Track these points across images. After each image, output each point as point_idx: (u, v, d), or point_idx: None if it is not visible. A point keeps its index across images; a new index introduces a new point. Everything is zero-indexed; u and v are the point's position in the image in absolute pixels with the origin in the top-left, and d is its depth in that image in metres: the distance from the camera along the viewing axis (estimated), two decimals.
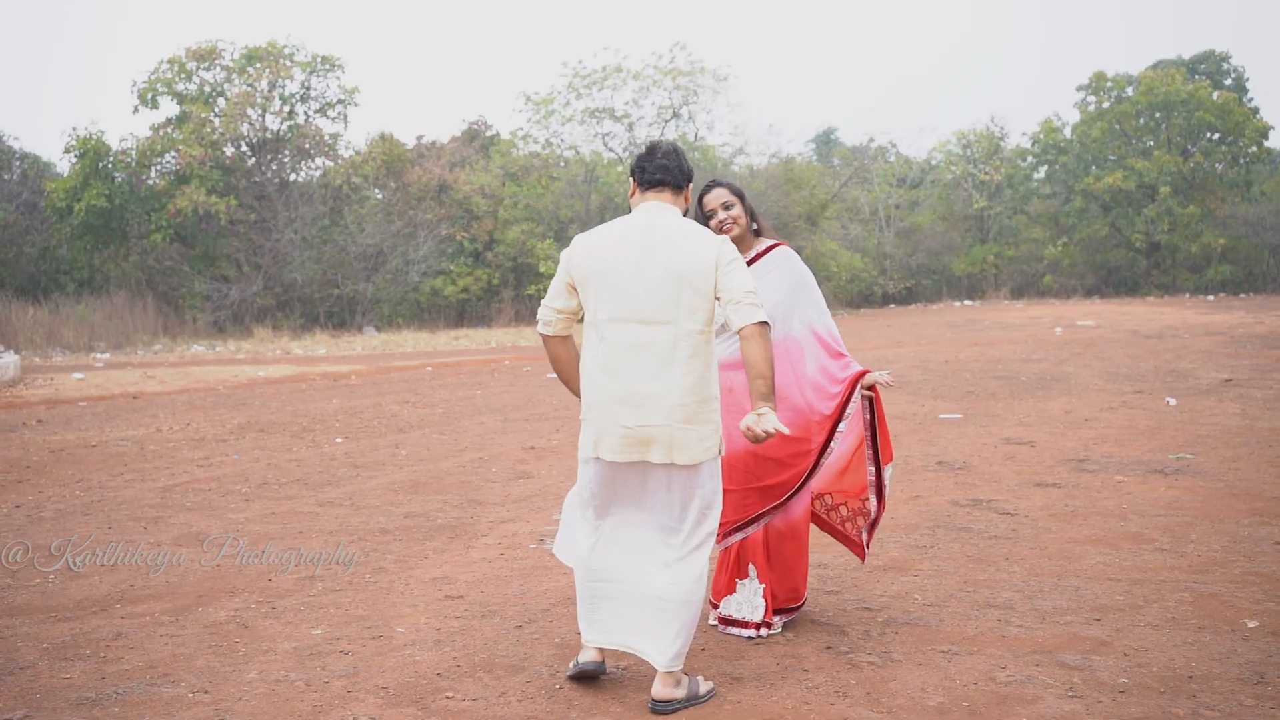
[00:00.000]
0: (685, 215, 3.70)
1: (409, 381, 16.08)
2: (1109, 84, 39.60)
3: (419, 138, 36.68)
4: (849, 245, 38.55)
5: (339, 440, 9.95)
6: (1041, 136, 40.95)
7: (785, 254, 4.30)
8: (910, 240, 41.53)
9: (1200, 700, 3.51)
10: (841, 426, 4.17)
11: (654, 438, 3.50)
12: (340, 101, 33.38)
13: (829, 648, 4.10)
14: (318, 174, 33.20)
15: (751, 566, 4.25)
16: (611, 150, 37.44)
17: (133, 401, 13.99)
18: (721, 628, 4.30)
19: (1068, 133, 40.50)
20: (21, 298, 29.59)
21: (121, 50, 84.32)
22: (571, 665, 3.78)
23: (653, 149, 3.67)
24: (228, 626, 4.51)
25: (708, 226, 4.22)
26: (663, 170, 3.62)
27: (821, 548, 5.59)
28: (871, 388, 4.25)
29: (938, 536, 5.79)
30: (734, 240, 4.23)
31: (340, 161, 32.62)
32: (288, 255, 30.47)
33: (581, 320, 3.72)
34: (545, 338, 3.74)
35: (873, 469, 4.29)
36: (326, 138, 33.08)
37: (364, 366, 19.10)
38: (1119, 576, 4.94)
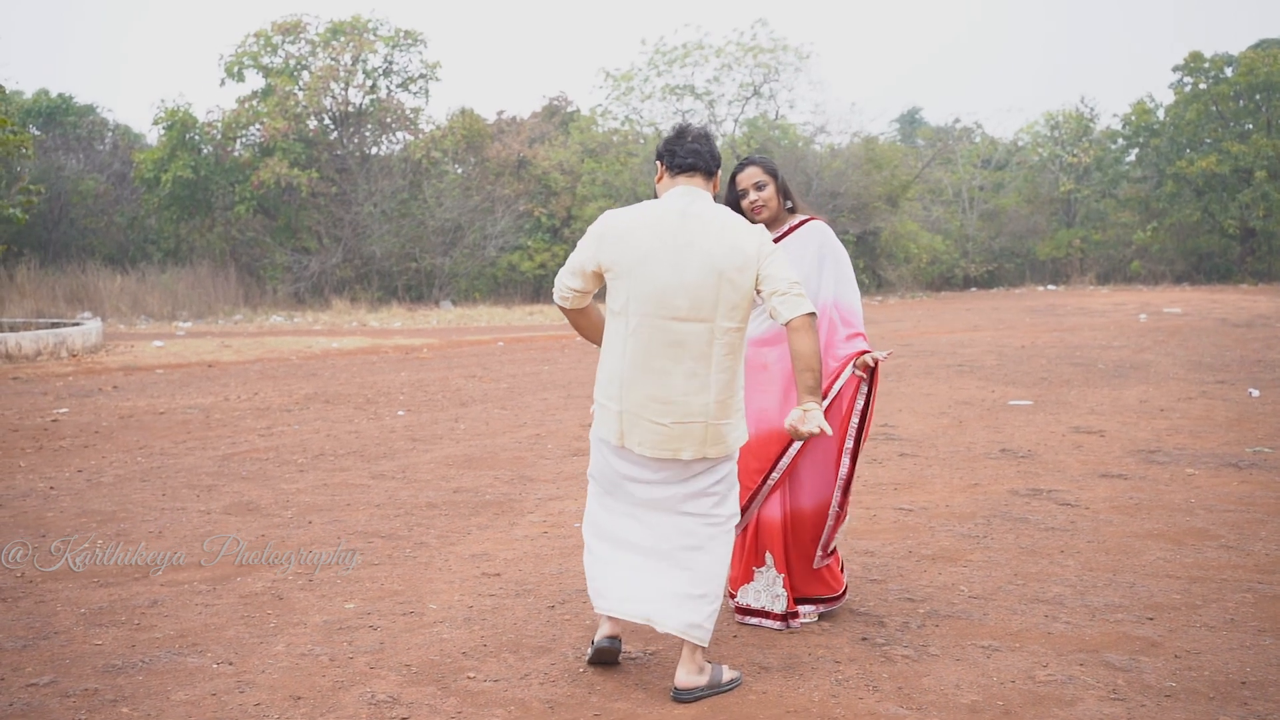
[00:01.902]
0: (715, 200, 3.57)
1: (479, 356, 16.15)
2: (1206, 65, 38.26)
3: (499, 113, 36.86)
4: (930, 227, 37.94)
5: (401, 413, 10.00)
6: (1133, 118, 39.80)
7: (817, 227, 4.16)
8: (994, 223, 40.70)
9: (1251, 708, 3.33)
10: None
11: (688, 434, 3.40)
12: (422, 76, 33.69)
13: (864, 639, 3.97)
14: (398, 148, 33.53)
15: (769, 554, 4.12)
16: None
17: (207, 370, 14.25)
18: (740, 618, 4.17)
19: (1161, 115, 39.27)
20: (110, 266, 30.39)
21: (211, 23, 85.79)
22: (589, 650, 3.71)
23: (682, 132, 3.53)
24: (263, 598, 4.52)
25: (739, 205, 4.09)
26: (694, 155, 3.48)
27: (871, 534, 5.46)
28: (867, 368, 4.06)
29: (992, 526, 5.61)
30: (766, 221, 4.10)
31: (421, 136, 32.90)
32: (367, 228, 30.85)
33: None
34: (564, 309, 3.65)
35: (846, 462, 4.12)
36: (408, 112, 33.44)
37: (436, 340, 19.24)
38: (1178, 574, 4.73)
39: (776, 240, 4.15)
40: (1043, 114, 44.08)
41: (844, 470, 4.13)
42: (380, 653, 3.86)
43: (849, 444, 4.11)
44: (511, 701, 3.43)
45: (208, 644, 3.96)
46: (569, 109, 38.36)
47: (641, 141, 35.76)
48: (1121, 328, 18.97)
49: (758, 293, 3.44)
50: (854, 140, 36.69)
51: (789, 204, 4.18)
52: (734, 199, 4.12)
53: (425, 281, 32.09)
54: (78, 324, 18.20)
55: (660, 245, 3.37)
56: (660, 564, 3.53)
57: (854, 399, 4.11)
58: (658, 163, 3.57)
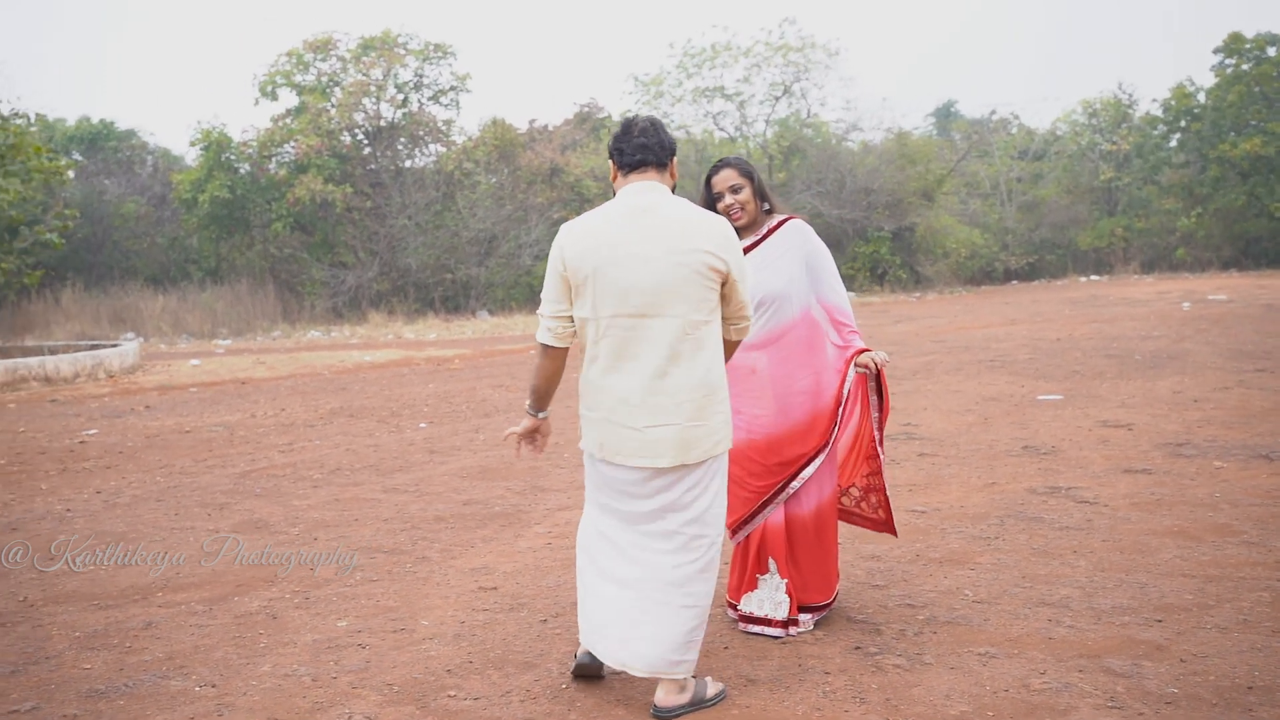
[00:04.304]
0: (674, 191, 3.48)
1: (509, 366, 16.13)
2: (1248, 45, 37.48)
3: (531, 122, 36.91)
4: (968, 221, 37.50)
5: (422, 425, 9.99)
6: (1173, 103, 39.04)
7: (797, 227, 4.07)
8: (1033, 214, 40.14)
9: (1256, 715, 3.19)
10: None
11: (663, 438, 3.30)
12: (453, 88, 33.82)
13: (858, 648, 3.87)
14: (431, 160, 33.69)
15: (772, 561, 4.04)
16: (723, 129, 37.12)
17: (240, 388, 14.35)
18: (743, 626, 4.09)
19: (1202, 98, 38.53)
20: (152, 287, 30.78)
21: (245, 44, 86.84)
22: (573, 664, 3.64)
23: (628, 127, 3.43)
24: (257, 617, 4.49)
25: (715, 207, 4.01)
26: (642, 149, 3.38)
27: (879, 539, 5.34)
28: (870, 367, 4.00)
29: (1005, 527, 5.47)
30: (744, 225, 4.02)
31: (453, 147, 33.03)
32: (402, 241, 31.01)
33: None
34: (547, 348, 3.46)
35: (877, 433, 4.11)
36: (440, 124, 33.57)
37: (469, 350, 19.28)
38: (1194, 572, 4.58)
39: (758, 242, 4.07)
40: (1080, 102, 43.43)
41: (882, 456, 4.16)
42: (364, 672, 3.82)
43: (876, 433, 4.10)
44: None
45: (194, 666, 3.93)
46: (600, 115, 38.35)
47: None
48: (1163, 317, 18.60)
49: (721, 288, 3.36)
50: (887, 136, 36.37)
51: (766, 205, 4.09)
52: (710, 202, 4.04)
53: (461, 292, 32.19)
54: (116, 345, 18.42)
55: (620, 244, 3.29)
56: (644, 604, 3.38)
57: (867, 397, 4.06)
58: (610, 161, 3.48)
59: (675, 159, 3.45)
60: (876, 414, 4.10)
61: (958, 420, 8.88)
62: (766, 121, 36.70)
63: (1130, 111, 41.19)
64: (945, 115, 51.24)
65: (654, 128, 3.40)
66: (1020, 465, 6.98)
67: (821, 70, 35.50)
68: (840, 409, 3.95)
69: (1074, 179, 41.05)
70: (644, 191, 3.36)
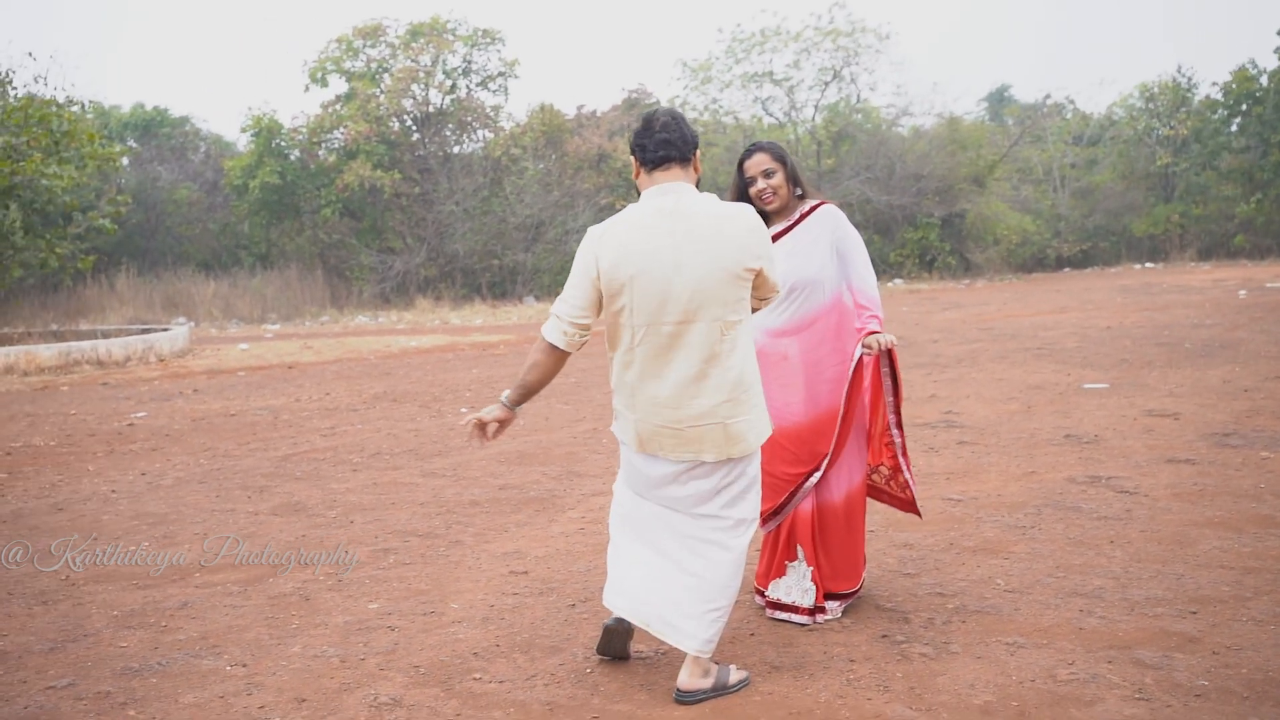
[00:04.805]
0: (699, 185, 3.45)
1: None
2: None
3: (579, 107, 36.89)
4: (1020, 207, 37.02)
5: (464, 410, 10.05)
6: (1234, 86, 38.21)
7: (829, 212, 4.03)
8: (1087, 200, 39.57)
9: None
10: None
11: (705, 435, 3.31)
12: (501, 74, 33.92)
13: (884, 636, 3.84)
14: (479, 146, 33.81)
15: (800, 548, 4.02)
16: (771, 115, 36.93)
17: (286, 372, 14.52)
18: (771, 613, 4.08)
19: (1264, 81, 37.65)
20: (204, 272, 31.21)
21: (296, 31, 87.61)
22: (600, 634, 3.67)
23: (650, 122, 3.37)
24: (290, 598, 4.55)
25: (748, 192, 3.99)
26: (665, 146, 3.32)
27: (913, 526, 5.30)
28: (877, 349, 3.93)
29: (1042, 516, 5.41)
30: (775, 209, 4.00)
31: (501, 133, 33.13)
32: (450, 227, 31.18)
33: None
34: (551, 347, 3.41)
35: (892, 416, 4.05)
36: (487, 110, 33.67)
37: (514, 336, 19.36)
38: (1232, 564, 4.49)
39: (790, 228, 4.04)
40: (1137, 86, 42.66)
41: (897, 440, 4.09)
42: (392, 653, 3.85)
43: (891, 417, 4.03)
44: (512, 704, 3.38)
45: (227, 645, 3.99)
46: (649, 101, 38.27)
47: (722, 131, 35.53)
48: (1218, 305, 18.26)
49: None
50: (938, 121, 35.98)
51: (798, 190, 4.05)
52: (742, 187, 4.02)
53: (508, 278, 32.32)
54: (166, 330, 18.71)
55: (656, 250, 3.25)
56: (675, 572, 3.44)
57: (878, 376, 4.00)
58: (632, 157, 3.45)
59: (699, 152, 3.42)
60: (890, 398, 4.05)
61: (1000, 408, 8.78)
62: (815, 107, 36.47)
63: (1189, 95, 40.36)
64: (999, 100, 50.55)
65: (676, 123, 3.35)
66: (1061, 454, 6.89)
67: (871, 55, 35.24)
68: (848, 388, 3.91)
69: (1130, 164, 40.38)
70: (670, 192, 3.32)
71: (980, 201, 34.28)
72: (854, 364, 3.91)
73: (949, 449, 7.20)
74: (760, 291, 3.43)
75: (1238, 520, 5.17)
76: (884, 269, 33.81)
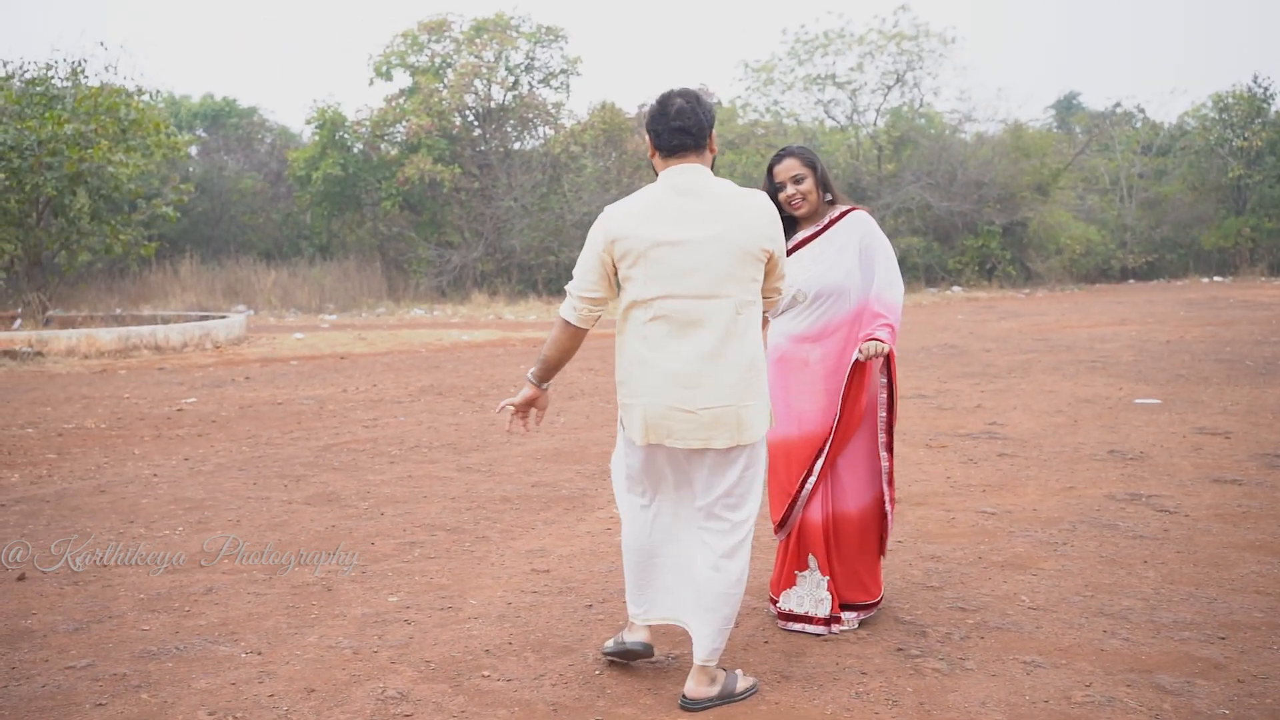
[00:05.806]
0: (713, 167, 3.43)
1: (601, 350, 16.15)
2: None
3: (640, 106, 36.85)
4: (1084, 217, 36.45)
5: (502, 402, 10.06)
6: None
7: (860, 218, 3.98)
8: (1155, 211, 38.82)
9: None
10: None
11: (719, 420, 3.29)
12: (563, 71, 34.02)
13: (900, 649, 3.79)
14: (539, 143, 33.94)
15: (812, 558, 3.97)
16: (833, 118, 36.72)
17: (338, 362, 14.68)
18: (783, 624, 4.03)
19: None
20: (265, 260, 31.67)
21: (362, 24, 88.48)
22: (613, 642, 3.65)
23: (664, 106, 3.35)
24: (313, 588, 4.59)
25: (777, 197, 3.95)
26: (680, 134, 3.31)
27: (943, 538, 5.23)
28: (876, 356, 3.85)
29: (1077, 533, 5.30)
30: (805, 215, 3.96)
31: (561, 130, 33.23)
32: (508, 223, 31.33)
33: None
34: (566, 324, 3.47)
35: (883, 437, 3.96)
36: (549, 107, 33.78)
37: None
38: (1269, 590, 4.37)
39: (818, 233, 4.01)
40: (1210, 95, 41.73)
41: (885, 465, 3.96)
42: (405, 647, 3.87)
43: (881, 437, 3.94)
44: (517, 702, 3.38)
45: (245, 633, 4.03)
46: (711, 101, 38.13)
47: (784, 133, 35.34)
48: None
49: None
50: (1002, 127, 35.52)
51: (828, 196, 4.01)
52: (772, 192, 3.98)
53: (564, 275, 32.36)
54: (223, 317, 19.01)
55: (673, 226, 3.27)
56: (687, 572, 3.48)
57: (874, 385, 3.94)
58: (647, 137, 3.43)
59: (714, 131, 3.41)
60: (884, 413, 3.97)
61: (1046, 421, 8.63)
62: (878, 111, 36.17)
63: (1265, 106, 39.43)
64: (1067, 108, 49.77)
65: (691, 109, 3.31)
66: (1103, 470, 6.76)
67: (935, 59, 35.00)
68: (844, 391, 3.84)
69: (1200, 175, 39.57)
70: (687, 173, 3.33)
71: (1043, 210, 33.79)
72: (849, 370, 3.85)
73: (988, 460, 7.09)
74: (770, 280, 3.42)
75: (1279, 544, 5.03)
76: (942, 276, 33.44)
